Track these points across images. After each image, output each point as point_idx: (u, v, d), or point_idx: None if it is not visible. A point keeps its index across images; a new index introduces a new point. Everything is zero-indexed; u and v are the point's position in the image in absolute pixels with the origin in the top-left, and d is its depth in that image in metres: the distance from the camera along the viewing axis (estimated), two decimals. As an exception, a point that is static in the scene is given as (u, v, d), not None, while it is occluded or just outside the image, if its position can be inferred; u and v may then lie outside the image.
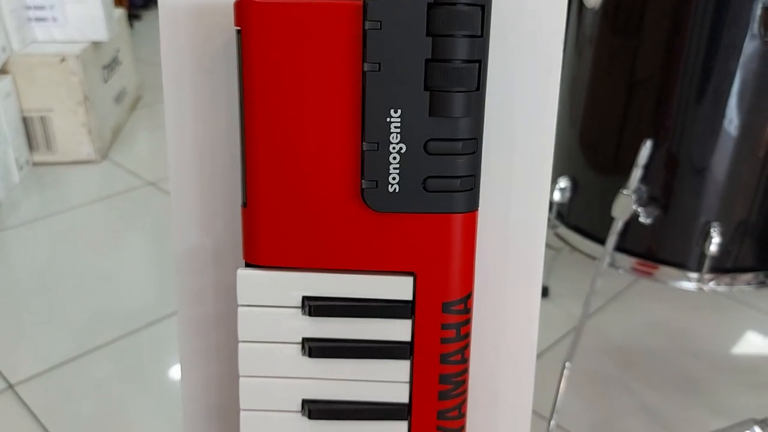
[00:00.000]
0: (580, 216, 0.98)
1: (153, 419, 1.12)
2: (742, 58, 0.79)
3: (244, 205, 0.35)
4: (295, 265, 0.35)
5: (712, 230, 0.85)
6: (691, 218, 0.87)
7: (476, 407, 0.41)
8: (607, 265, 0.91)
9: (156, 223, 1.68)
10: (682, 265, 0.90)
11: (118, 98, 2.07)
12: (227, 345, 0.41)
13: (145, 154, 2.01)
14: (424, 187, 0.33)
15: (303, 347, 0.36)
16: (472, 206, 0.35)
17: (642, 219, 0.87)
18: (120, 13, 2.10)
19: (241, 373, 0.36)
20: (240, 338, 0.36)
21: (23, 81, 1.79)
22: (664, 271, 0.90)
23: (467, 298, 0.36)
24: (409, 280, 0.35)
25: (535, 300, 0.40)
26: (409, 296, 0.35)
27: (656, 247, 0.91)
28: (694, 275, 0.89)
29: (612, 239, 0.89)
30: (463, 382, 0.37)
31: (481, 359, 0.40)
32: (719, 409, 1.13)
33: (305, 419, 0.37)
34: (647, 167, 0.85)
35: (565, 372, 1.02)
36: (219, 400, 0.42)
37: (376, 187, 0.33)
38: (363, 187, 0.33)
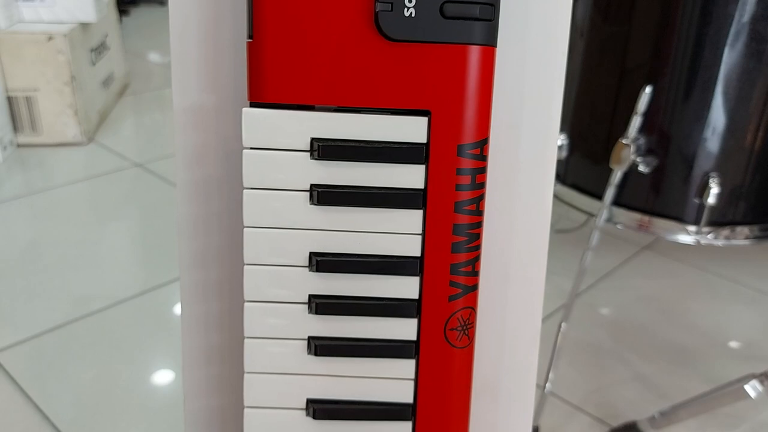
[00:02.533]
0: (577, 173, 0.97)
1: (138, 387, 1.09)
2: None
3: (250, 37, 0.33)
4: (303, 101, 0.33)
5: (711, 181, 0.85)
6: (689, 169, 0.86)
7: (488, 281, 0.39)
8: (604, 221, 0.90)
9: (143, 202, 1.65)
10: (680, 218, 0.89)
11: (106, 82, 2.05)
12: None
13: (132, 137, 1.98)
14: (441, 13, 0.32)
15: (311, 195, 0.34)
16: (490, 40, 0.33)
17: (641, 168, 0.86)
18: (109, -3, 2.08)
19: (245, 223, 0.35)
20: (245, 185, 0.34)
21: (9, 59, 1.77)
22: (662, 224, 0.89)
23: (483, 143, 0.34)
24: (423, 121, 0.34)
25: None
26: (423, 138, 0.34)
27: (654, 201, 0.90)
28: (692, 228, 0.88)
29: (610, 191, 0.88)
30: (478, 237, 0.35)
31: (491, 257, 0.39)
32: (714, 379, 1.12)
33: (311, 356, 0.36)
34: (646, 116, 0.85)
35: (560, 333, 1.01)
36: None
37: (391, 10, 0.32)
38: (377, 10, 0.32)
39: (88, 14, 1.85)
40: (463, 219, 0.35)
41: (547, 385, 1.00)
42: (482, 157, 0.34)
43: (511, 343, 0.40)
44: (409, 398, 0.36)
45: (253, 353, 0.36)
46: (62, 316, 1.23)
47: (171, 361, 1.15)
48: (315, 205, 0.34)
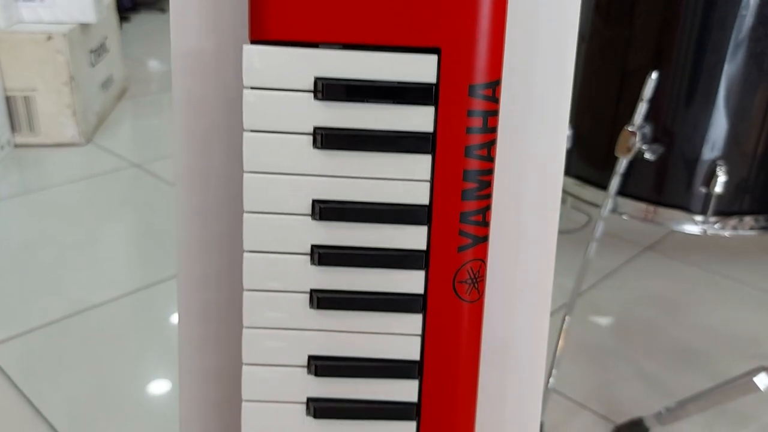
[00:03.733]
0: (581, 165, 0.96)
1: (132, 384, 1.07)
2: (750, -14, 0.78)
3: (253, -31, 0.32)
4: (307, 39, 0.32)
5: (718, 169, 0.83)
6: (696, 157, 0.85)
7: (498, 236, 0.37)
8: (609, 211, 0.89)
9: (140, 202, 1.64)
10: (686, 207, 0.87)
11: (105, 85, 2.04)
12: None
13: (131, 139, 1.97)
14: (452, -57, 0.31)
15: (314, 138, 0.33)
16: (503, -27, 0.32)
17: (647, 156, 0.84)
18: (109, 0, 2.07)
19: (246, 168, 0.33)
20: (245, 127, 0.33)
21: (8, 59, 1.76)
22: (668, 214, 0.88)
23: (496, 84, 0.33)
24: (433, 59, 0.32)
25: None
26: (432, 78, 0.32)
27: (660, 191, 0.89)
28: (698, 218, 0.86)
29: (615, 180, 0.86)
30: (489, 184, 0.34)
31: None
32: (720, 377, 1.10)
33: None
34: (652, 102, 0.83)
35: (564, 326, 0.99)
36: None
37: (400, -60, 0.30)
38: (385, -60, 0.31)
39: (88, 15, 1.84)
40: (474, 164, 0.33)
41: (550, 380, 0.99)
42: (494, 99, 0.33)
43: (522, 304, 0.39)
44: (415, 355, 0.35)
45: (253, 307, 0.34)
46: (56, 313, 1.21)
47: (166, 358, 1.13)
48: (318, 149, 0.33)
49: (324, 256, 0.34)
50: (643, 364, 1.14)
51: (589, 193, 0.94)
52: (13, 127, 1.82)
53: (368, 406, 0.35)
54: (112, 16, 2.13)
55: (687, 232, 0.88)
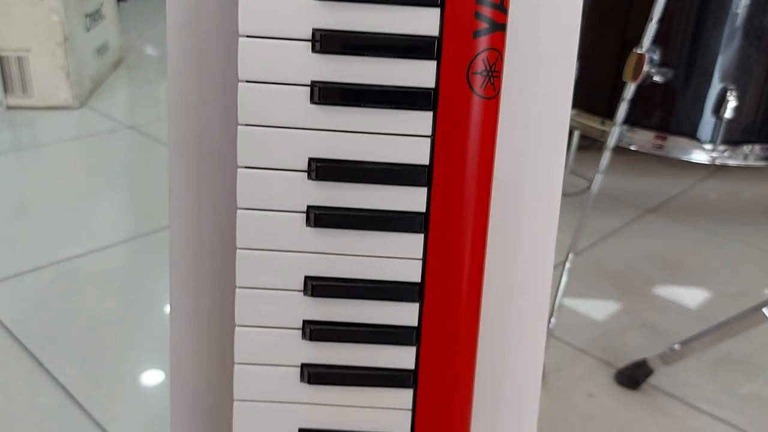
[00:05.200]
0: (588, 94, 0.94)
1: (123, 326, 1.05)
2: None
3: None
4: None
5: (728, 94, 0.81)
6: (707, 82, 0.83)
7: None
8: (616, 140, 0.87)
9: (134, 161, 1.61)
10: (695, 135, 0.85)
11: (100, 51, 2.01)
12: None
13: (127, 104, 1.94)
14: None
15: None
16: None
17: (656, 79, 0.82)
18: (105, -35, 2.05)
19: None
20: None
21: (1, 18, 1.73)
22: (677, 142, 0.86)
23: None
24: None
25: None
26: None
27: (669, 118, 0.86)
28: (708, 146, 0.84)
29: (623, 106, 0.84)
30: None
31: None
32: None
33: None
34: (661, 23, 0.81)
35: (567, 264, 0.97)
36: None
37: None
38: None
39: (84, -24, 1.81)
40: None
41: (551, 320, 0.96)
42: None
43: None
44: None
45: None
46: (47, 258, 1.18)
47: (159, 298, 1.11)
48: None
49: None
50: (645, 316, 1.12)
51: (595, 121, 0.92)
52: (6, 88, 1.79)
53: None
54: (109, -17, 2.11)
55: (695, 161, 0.86)
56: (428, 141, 0.32)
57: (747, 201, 1.55)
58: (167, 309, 1.09)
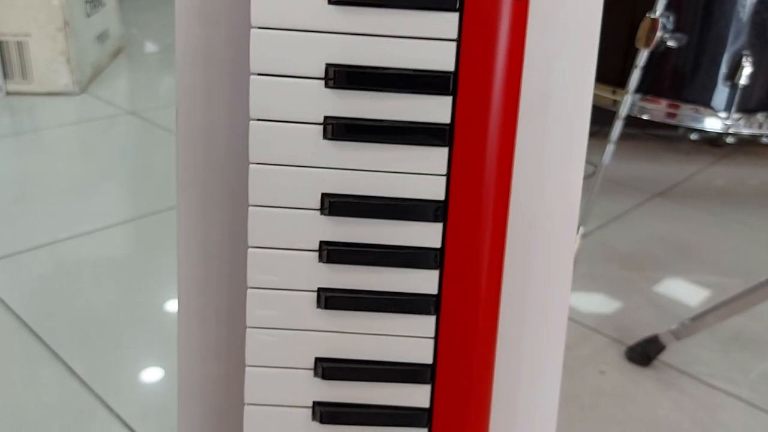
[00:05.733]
0: (597, 65, 0.92)
1: (123, 304, 1.03)
2: None
3: None
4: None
5: (743, 60, 0.79)
6: (721, 47, 0.81)
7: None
8: (628, 109, 0.85)
9: (135, 145, 1.59)
10: (710, 104, 0.83)
11: (100, 38, 1.99)
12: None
13: (128, 91, 1.93)
14: None
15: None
16: None
17: (670, 44, 0.80)
18: (106, -48, 2.03)
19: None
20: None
21: (1, 2, 1.71)
22: (690, 110, 0.84)
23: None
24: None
25: None
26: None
27: (682, 87, 0.85)
28: (723, 114, 0.83)
29: (636, 74, 0.82)
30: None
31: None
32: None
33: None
34: (676, -13, 0.79)
35: (578, 236, 0.95)
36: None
37: None
38: None
39: (84, -39, 1.80)
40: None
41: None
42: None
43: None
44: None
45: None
46: (47, 236, 1.16)
47: (160, 277, 1.09)
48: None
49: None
50: (656, 295, 1.10)
51: (607, 90, 0.90)
52: (6, 74, 1.77)
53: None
54: (110, -30, 2.09)
55: (709, 129, 0.84)
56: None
57: (753, 186, 1.53)
58: (167, 288, 1.07)
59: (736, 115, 0.82)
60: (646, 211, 1.38)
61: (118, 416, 0.80)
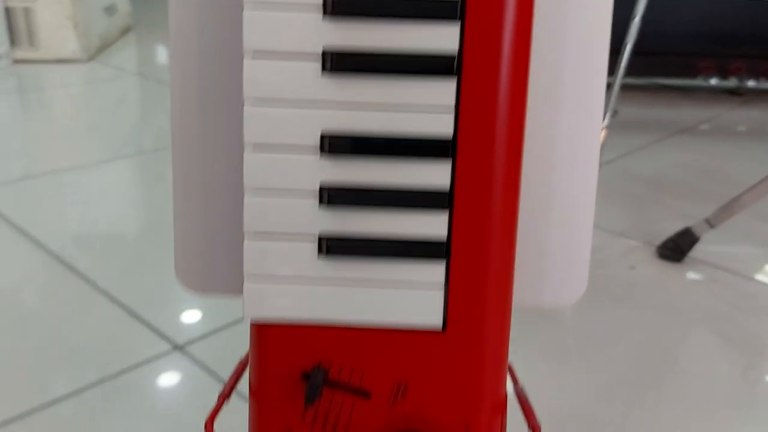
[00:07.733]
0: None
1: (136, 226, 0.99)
2: None
3: None
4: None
5: None
6: None
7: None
8: None
9: (139, 99, 1.57)
10: None
11: (108, 11, 1.98)
12: None
13: (135, 60, 1.91)
14: None
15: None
16: None
17: None
18: (114, -73, 2.03)
19: None
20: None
21: (8, -32, 1.71)
22: None
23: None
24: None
25: None
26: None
27: None
28: None
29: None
30: None
31: None
32: (764, 216, 1.00)
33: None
34: None
35: (604, 123, 0.91)
36: None
37: None
38: None
39: (91, -72, 1.79)
40: None
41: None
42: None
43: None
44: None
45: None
46: (49, 166, 1.13)
47: (164, 203, 1.05)
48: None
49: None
50: (681, 209, 1.05)
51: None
52: (13, 41, 1.76)
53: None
54: (117, -53, 2.09)
55: None
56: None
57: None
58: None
59: None
60: (669, 144, 1.33)
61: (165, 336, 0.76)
